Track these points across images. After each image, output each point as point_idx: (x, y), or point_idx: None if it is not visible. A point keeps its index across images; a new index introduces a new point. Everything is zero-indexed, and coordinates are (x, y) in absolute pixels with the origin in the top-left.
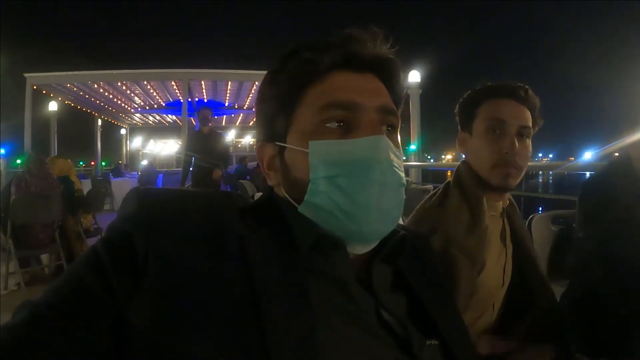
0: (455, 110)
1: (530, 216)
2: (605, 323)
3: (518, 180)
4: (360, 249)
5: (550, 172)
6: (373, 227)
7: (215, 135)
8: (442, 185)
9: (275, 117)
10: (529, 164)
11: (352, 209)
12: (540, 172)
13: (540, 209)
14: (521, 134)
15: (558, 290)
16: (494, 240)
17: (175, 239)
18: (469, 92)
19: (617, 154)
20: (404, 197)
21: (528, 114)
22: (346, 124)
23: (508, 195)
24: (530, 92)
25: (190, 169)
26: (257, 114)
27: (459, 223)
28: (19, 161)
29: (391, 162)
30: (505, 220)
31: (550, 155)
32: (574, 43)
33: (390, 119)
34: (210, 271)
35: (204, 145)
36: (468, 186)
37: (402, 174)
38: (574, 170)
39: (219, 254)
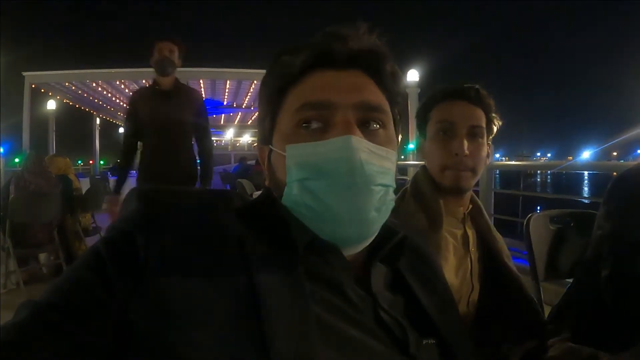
0: (414, 116)
1: (529, 215)
2: (607, 320)
3: (472, 182)
4: (348, 250)
5: (549, 172)
6: (347, 229)
7: (185, 94)
8: (401, 190)
9: (264, 119)
10: (529, 163)
11: (323, 212)
12: (539, 172)
13: (539, 208)
14: (473, 134)
15: (555, 289)
16: (452, 247)
17: (175, 238)
18: (424, 97)
19: (615, 153)
20: (390, 197)
21: (480, 113)
22: (322, 125)
23: (469, 198)
24: (482, 91)
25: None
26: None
27: (414, 230)
28: (17, 160)
29: (361, 163)
30: (469, 224)
31: (549, 155)
32: (573, 42)
33: (373, 115)
34: (210, 271)
35: (162, 115)
36: (424, 192)
37: (382, 174)
38: (572, 169)
39: (219, 253)
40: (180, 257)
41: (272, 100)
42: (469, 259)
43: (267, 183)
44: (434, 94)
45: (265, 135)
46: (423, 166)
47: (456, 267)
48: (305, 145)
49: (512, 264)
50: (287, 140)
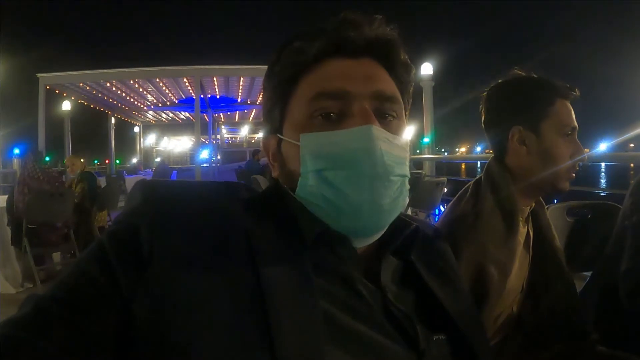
0: (504, 99)
1: (545, 207)
2: (626, 316)
3: None
4: (359, 243)
5: None
6: (365, 221)
7: None
8: (471, 185)
9: (272, 108)
10: None
11: (341, 203)
12: None
13: (555, 199)
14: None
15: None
16: (519, 248)
17: (180, 231)
18: (536, 83)
19: (631, 145)
20: (406, 187)
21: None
22: (338, 114)
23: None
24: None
25: None
26: (262, 107)
27: (493, 233)
28: (47, 159)
29: (382, 153)
30: (530, 224)
31: None
32: (589, 33)
33: (388, 106)
34: (215, 264)
35: None
36: (502, 189)
37: (400, 164)
38: (589, 161)
39: (224, 246)
40: (185, 250)
41: (282, 88)
42: (527, 261)
43: (274, 175)
44: (554, 87)
45: (274, 126)
46: (495, 159)
47: (517, 268)
48: (322, 134)
49: (565, 268)
50: (300, 130)
